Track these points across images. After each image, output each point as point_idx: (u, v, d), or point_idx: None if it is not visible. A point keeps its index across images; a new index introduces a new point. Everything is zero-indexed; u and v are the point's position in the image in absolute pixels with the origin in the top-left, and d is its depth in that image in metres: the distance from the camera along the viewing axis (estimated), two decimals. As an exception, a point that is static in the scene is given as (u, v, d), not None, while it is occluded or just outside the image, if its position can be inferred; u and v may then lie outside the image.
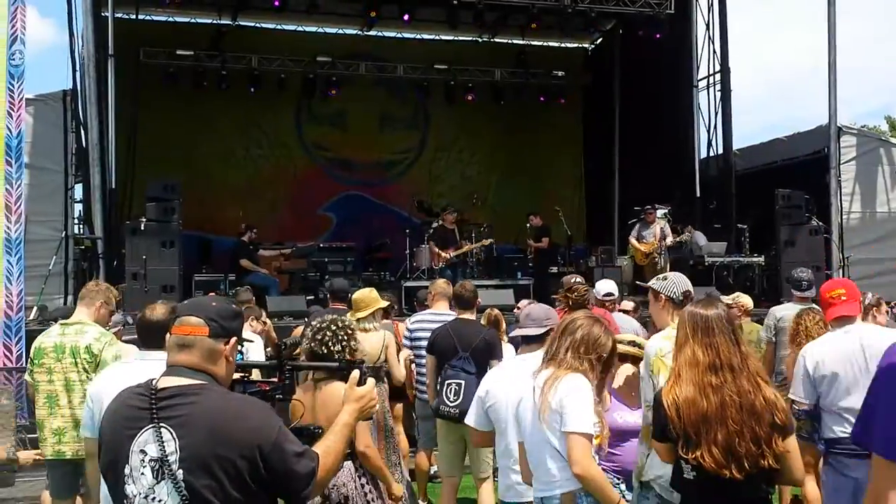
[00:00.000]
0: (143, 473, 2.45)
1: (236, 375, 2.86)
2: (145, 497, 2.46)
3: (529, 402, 3.68)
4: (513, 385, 4.20)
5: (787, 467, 3.26)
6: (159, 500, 2.45)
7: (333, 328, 4.57)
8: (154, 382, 2.57)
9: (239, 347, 2.78)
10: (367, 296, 6.92)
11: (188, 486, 2.41)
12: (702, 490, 3.26)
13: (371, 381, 2.97)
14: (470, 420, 4.59)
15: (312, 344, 4.53)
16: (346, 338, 4.57)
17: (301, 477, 2.54)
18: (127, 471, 2.48)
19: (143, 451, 2.47)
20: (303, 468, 2.54)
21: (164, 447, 2.43)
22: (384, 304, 7.05)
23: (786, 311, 7.35)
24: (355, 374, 2.92)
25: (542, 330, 4.39)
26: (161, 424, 2.46)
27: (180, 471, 2.42)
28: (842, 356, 4.50)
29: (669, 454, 3.36)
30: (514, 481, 4.30)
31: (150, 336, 4.06)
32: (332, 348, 4.51)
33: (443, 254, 13.89)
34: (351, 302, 6.99)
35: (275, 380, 3.08)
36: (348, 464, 4.46)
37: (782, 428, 3.22)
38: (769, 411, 3.22)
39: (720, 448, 3.17)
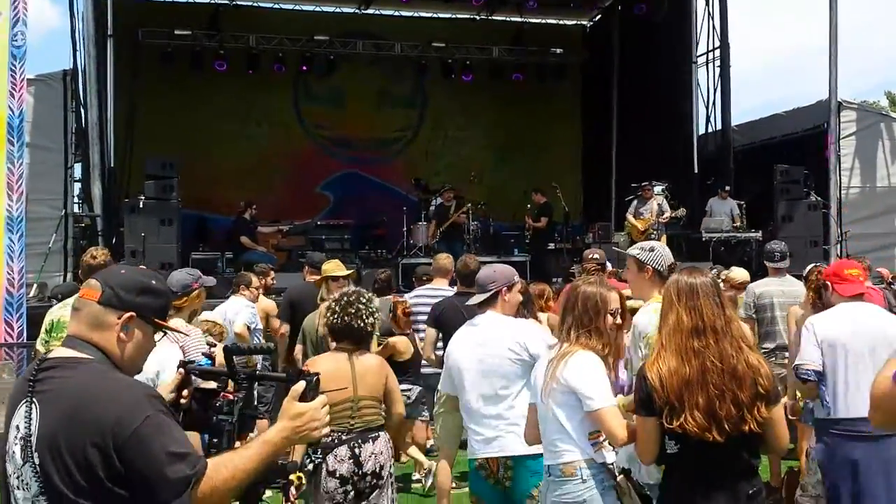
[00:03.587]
0: (14, 452, 2.22)
1: (211, 385, 2.60)
2: (17, 478, 2.21)
3: (541, 372, 3.75)
4: (467, 348, 4.51)
5: (771, 435, 3.25)
6: (26, 484, 2.19)
7: (363, 300, 4.62)
8: (48, 352, 2.40)
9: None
10: (325, 267, 7.17)
11: (43, 471, 2.14)
12: (685, 463, 3.25)
13: (322, 398, 2.45)
14: (445, 387, 4.76)
15: (346, 318, 4.55)
16: (375, 310, 4.65)
17: (168, 483, 2.10)
18: (7, 446, 2.25)
19: (17, 427, 2.22)
20: (173, 473, 2.11)
21: (29, 424, 2.18)
22: (341, 273, 7.16)
23: (765, 287, 7.31)
24: (299, 386, 2.42)
25: (487, 295, 4.54)
26: (33, 398, 2.20)
27: (36, 452, 2.15)
28: (848, 334, 4.43)
29: (655, 430, 3.29)
30: (474, 440, 4.47)
31: None
32: (366, 321, 4.58)
33: (435, 230, 14.02)
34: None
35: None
36: (384, 434, 4.55)
37: (765, 394, 3.20)
38: (751, 376, 3.21)
39: (702, 412, 3.15)
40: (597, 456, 3.58)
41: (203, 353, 2.79)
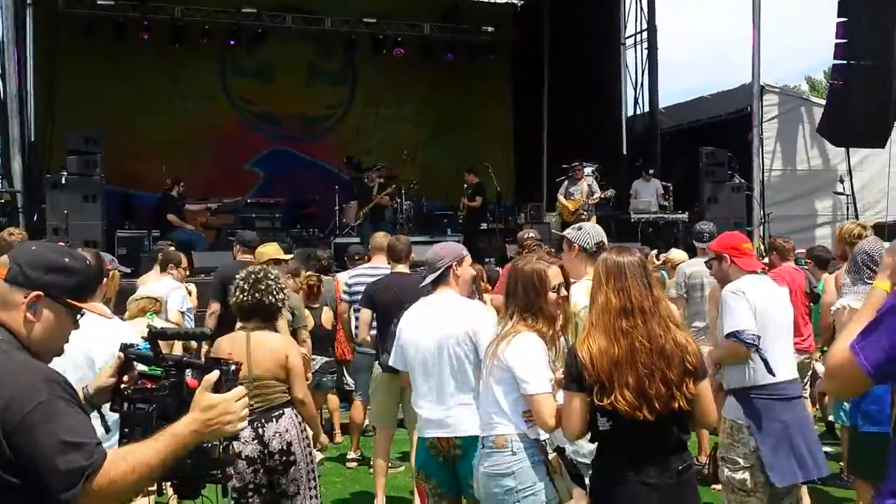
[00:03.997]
0: None
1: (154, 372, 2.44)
2: None
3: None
4: (420, 326, 4.50)
5: (699, 411, 3.32)
6: None
7: (272, 276, 4.60)
8: None
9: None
10: (265, 248, 7.09)
11: None
12: (617, 439, 3.30)
13: (239, 390, 2.29)
14: (395, 363, 4.72)
15: (256, 294, 4.53)
16: (283, 286, 4.59)
17: (59, 474, 1.97)
18: None
19: None
20: (64, 464, 1.97)
21: None
22: (282, 256, 7.14)
23: (694, 268, 7.45)
24: (212, 375, 2.26)
25: (437, 273, 4.54)
26: None
27: None
28: (769, 303, 4.61)
29: (583, 407, 3.32)
30: (424, 420, 4.49)
31: None
32: (276, 297, 4.55)
33: (358, 211, 13.98)
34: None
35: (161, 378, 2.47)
36: (289, 411, 4.52)
37: (693, 371, 3.27)
38: (679, 354, 3.27)
39: (632, 391, 3.21)
40: (530, 432, 3.63)
41: (143, 337, 2.62)
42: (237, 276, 4.74)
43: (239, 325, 4.68)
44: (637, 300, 3.32)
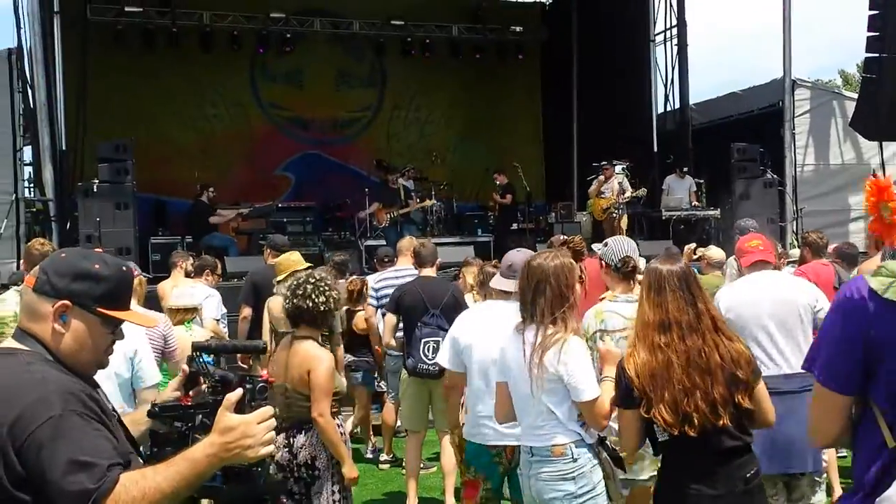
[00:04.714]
0: None
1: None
2: None
3: (514, 353, 3.71)
4: (484, 330, 4.35)
5: (755, 415, 3.26)
6: None
7: (312, 280, 4.55)
8: None
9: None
10: (286, 259, 6.86)
11: None
12: (677, 451, 3.24)
13: (263, 411, 2.10)
14: (444, 362, 4.65)
15: (295, 300, 4.50)
16: (327, 288, 4.55)
17: (65, 495, 1.87)
18: None
19: None
20: (70, 485, 1.87)
21: None
22: (302, 266, 7.07)
23: None
24: (233, 394, 2.11)
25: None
26: None
27: None
28: (742, 302, 4.75)
29: (636, 422, 3.29)
30: (480, 423, 4.40)
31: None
32: (316, 300, 4.48)
33: (384, 213, 13.93)
34: None
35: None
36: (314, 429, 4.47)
37: (745, 383, 3.18)
38: (727, 369, 3.17)
39: (667, 407, 3.14)
40: (586, 437, 3.63)
41: (198, 347, 2.50)
42: (286, 286, 4.77)
43: (293, 332, 4.66)
44: (675, 315, 3.25)
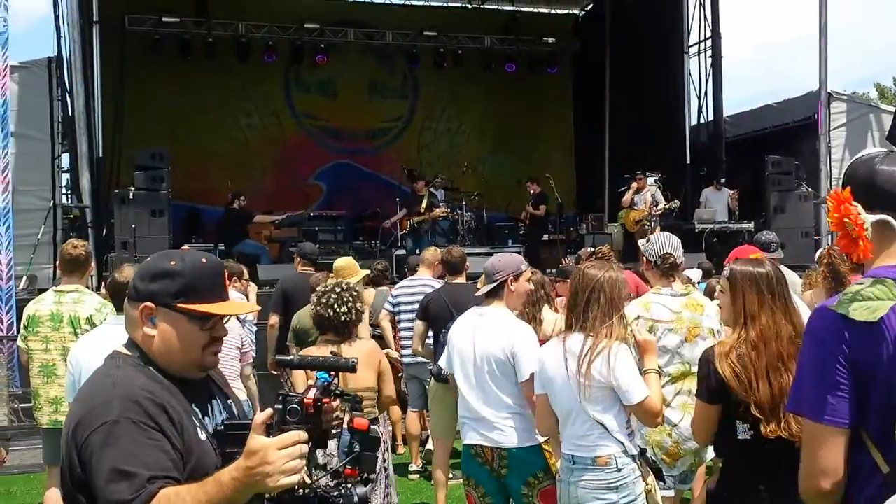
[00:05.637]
0: None
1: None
2: None
3: (554, 364, 3.72)
4: (469, 335, 4.49)
5: None
6: None
7: (338, 290, 4.60)
8: None
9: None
10: (350, 264, 7.04)
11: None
12: (754, 450, 3.18)
13: (288, 435, 1.91)
14: (447, 366, 4.74)
15: (318, 308, 4.56)
16: (350, 299, 4.57)
17: (105, 503, 1.89)
18: None
19: None
20: (110, 493, 1.87)
21: None
22: (363, 273, 7.17)
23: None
24: (262, 414, 1.95)
25: (493, 285, 4.50)
26: None
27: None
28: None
29: (716, 416, 3.25)
30: (462, 422, 4.52)
31: (119, 299, 3.97)
32: (338, 310, 4.52)
33: (406, 221, 14.01)
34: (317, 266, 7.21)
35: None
36: (375, 428, 4.44)
37: None
38: None
39: (762, 407, 3.11)
40: (630, 447, 3.65)
41: (281, 362, 2.44)
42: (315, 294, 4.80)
43: (321, 339, 4.70)
44: (768, 317, 3.23)
